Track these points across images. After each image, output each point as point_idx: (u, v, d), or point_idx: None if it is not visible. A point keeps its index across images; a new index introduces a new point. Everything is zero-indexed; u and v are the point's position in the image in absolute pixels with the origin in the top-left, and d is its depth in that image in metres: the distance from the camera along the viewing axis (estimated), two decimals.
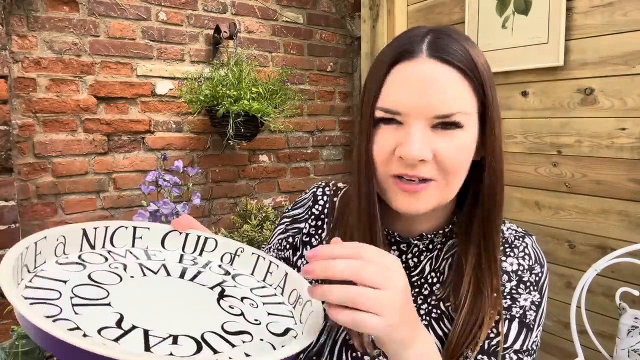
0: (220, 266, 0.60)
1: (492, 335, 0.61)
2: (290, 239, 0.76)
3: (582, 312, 1.39)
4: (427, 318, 0.64)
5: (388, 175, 0.58)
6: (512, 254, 0.65)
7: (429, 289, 0.66)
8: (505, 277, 0.64)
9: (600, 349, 1.39)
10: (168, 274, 0.55)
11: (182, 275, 0.55)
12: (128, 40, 1.94)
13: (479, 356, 0.60)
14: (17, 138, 1.74)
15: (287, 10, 2.36)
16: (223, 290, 0.54)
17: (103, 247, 0.56)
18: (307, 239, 0.74)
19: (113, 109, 1.92)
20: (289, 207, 0.80)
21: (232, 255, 0.61)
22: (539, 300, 0.63)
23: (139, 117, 1.98)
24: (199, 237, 0.61)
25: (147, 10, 1.97)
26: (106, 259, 0.54)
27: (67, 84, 1.82)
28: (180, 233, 0.61)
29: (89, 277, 0.49)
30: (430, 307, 0.64)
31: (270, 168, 2.37)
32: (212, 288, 0.54)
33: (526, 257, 0.65)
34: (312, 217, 0.75)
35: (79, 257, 0.53)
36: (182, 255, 0.60)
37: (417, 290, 0.66)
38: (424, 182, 0.56)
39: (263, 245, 1.93)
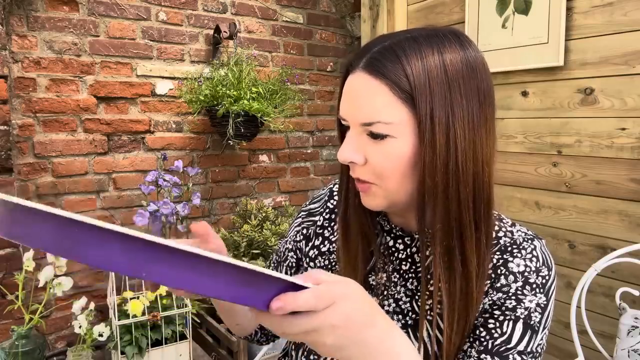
0: None
1: (496, 335, 0.61)
2: (305, 231, 0.81)
3: (582, 312, 1.39)
4: (432, 314, 0.65)
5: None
6: (519, 255, 0.65)
7: (444, 309, 0.66)
8: (511, 277, 0.64)
9: (601, 349, 1.39)
10: None
11: None
12: (128, 40, 1.94)
13: (483, 355, 0.60)
14: (17, 138, 1.74)
15: (287, 10, 2.36)
16: None
17: None
18: (320, 230, 0.80)
19: (113, 109, 1.92)
20: (307, 202, 0.86)
21: None
22: (545, 302, 0.63)
23: (139, 117, 1.98)
24: None
25: (147, 10, 1.97)
26: None
27: (67, 84, 1.82)
28: None
29: None
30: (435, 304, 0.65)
31: (270, 168, 2.37)
32: None
33: (533, 259, 0.65)
34: (327, 210, 0.81)
35: None
36: None
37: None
38: (367, 183, 0.62)
39: (270, 245, 1.93)
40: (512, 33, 1.71)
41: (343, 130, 0.65)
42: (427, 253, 0.66)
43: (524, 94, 1.72)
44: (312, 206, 0.84)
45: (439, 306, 0.64)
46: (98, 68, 1.88)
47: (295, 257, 0.82)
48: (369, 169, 0.61)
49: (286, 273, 0.82)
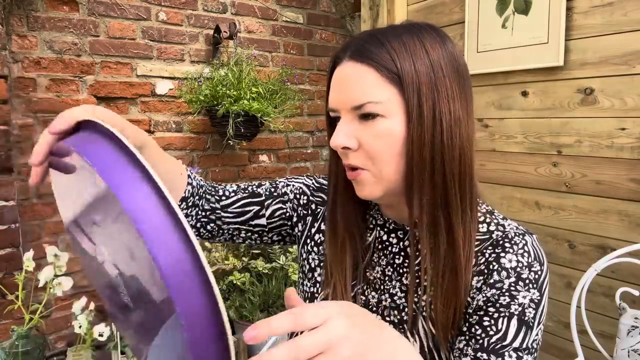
0: None
1: (491, 332, 0.61)
2: (313, 206, 0.80)
3: (582, 312, 1.39)
4: (428, 309, 0.65)
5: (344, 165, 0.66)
6: (511, 250, 0.65)
7: (429, 279, 0.66)
8: (504, 273, 0.64)
9: (601, 349, 1.39)
10: None
11: None
12: (128, 40, 1.94)
13: (479, 354, 0.60)
14: (17, 138, 1.74)
15: (287, 10, 2.36)
16: None
17: None
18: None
19: (113, 109, 1.92)
20: (318, 175, 0.85)
21: None
22: (539, 298, 0.63)
23: (139, 117, 1.98)
24: None
25: (147, 10, 1.97)
26: None
27: (67, 84, 1.82)
28: None
29: None
30: (430, 298, 0.65)
31: (270, 168, 2.37)
32: None
33: (525, 254, 0.65)
34: None
35: None
36: None
37: (417, 281, 0.67)
38: (358, 169, 0.64)
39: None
40: (512, 33, 1.71)
41: (332, 123, 0.67)
42: (418, 246, 0.66)
43: (524, 94, 1.72)
44: (323, 181, 0.82)
45: (431, 293, 0.64)
46: (98, 68, 1.88)
47: (294, 212, 0.79)
48: (362, 154, 0.63)
49: (275, 211, 0.79)
